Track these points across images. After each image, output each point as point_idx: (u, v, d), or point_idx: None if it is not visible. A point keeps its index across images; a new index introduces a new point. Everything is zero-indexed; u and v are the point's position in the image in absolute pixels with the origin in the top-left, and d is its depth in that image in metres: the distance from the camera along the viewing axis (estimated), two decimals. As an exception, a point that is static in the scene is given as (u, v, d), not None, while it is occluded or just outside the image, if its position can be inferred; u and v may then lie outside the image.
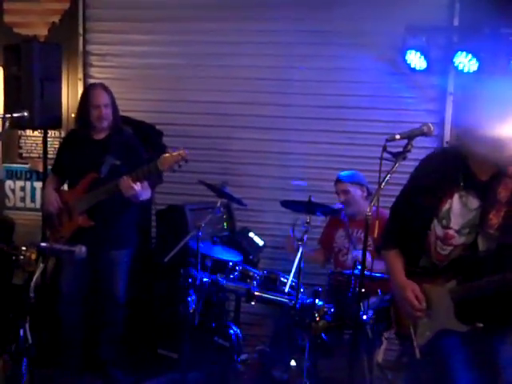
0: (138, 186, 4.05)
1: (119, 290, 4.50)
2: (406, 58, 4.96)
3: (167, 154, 3.94)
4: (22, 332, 2.95)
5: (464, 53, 4.71)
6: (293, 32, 5.44)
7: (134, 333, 4.97)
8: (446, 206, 2.75)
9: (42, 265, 3.06)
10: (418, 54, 4.90)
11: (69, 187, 4.56)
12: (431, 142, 4.58)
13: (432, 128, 2.76)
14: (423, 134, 2.73)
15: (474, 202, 2.69)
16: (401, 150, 2.73)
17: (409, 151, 2.72)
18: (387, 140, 2.71)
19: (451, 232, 2.73)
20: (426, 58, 4.90)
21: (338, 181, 4.70)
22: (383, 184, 2.70)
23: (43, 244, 3.19)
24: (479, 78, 3.06)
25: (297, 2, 5.42)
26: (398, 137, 2.73)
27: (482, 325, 2.62)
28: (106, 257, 4.39)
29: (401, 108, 5.21)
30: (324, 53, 5.41)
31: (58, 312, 4.55)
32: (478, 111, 2.59)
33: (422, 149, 3.04)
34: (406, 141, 2.75)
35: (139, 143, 4.46)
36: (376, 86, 5.34)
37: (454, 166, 2.75)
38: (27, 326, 2.94)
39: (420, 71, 4.99)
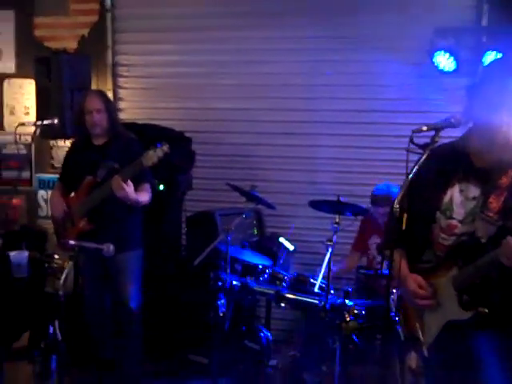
0: (128, 186, 4.01)
1: (129, 295, 4.34)
2: (435, 60, 4.91)
3: (150, 151, 3.92)
4: (51, 329, 2.96)
5: (494, 52, 4.66)
6: (319, 38, 5.46)
7: (164, 338, 4.98)
8: (448, 197, 2.72)
9: (70, 263, 3.08)
10: (447, 55, 4.86)
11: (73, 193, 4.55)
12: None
13: (459, 119, 2.71)
14: (451, 125, 2.67)
15: (473, 191, 2.66)
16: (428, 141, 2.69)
17: (436, 142, 2.68)
18: (413, 131, 2.67)
19: (454, 222, 2.69)
20: (455, 59, 4.85)
21: (376, 203, 4.61)
22: (411, 176, 2.66)
23: (72, 242, 3.22)
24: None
25: (323, 9, 5.44)
26: (424, 128, 2.67)
27: (486, 310, 2.54)
28: (113, 260, 4.19)
29: (430, 110, 5.12)
30: (351, 58, 5.42)
31: (86, 319, 4.50)
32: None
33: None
34: (433, 132, 2.71)
35: (140, 148, 4.27)
36: (404, 89, 5.32)
37: (455, 158, 2.74)
38: (57, 323, 2.96)
39: (449, 73, 4.94)
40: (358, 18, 5.37)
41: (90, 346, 4.51)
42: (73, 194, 4.44)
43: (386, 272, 3.63)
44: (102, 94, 4.50)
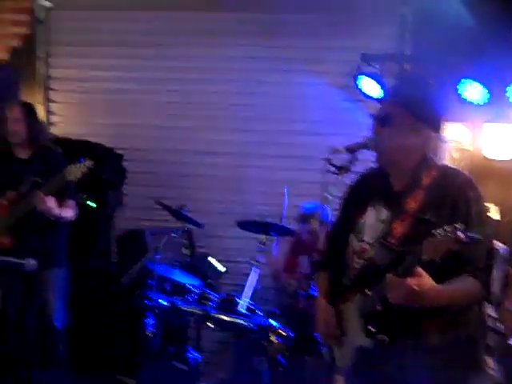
0: (50, 201, 4.02)
1: (54, 313, 4.30)
2: (360, 85, 5.06)
3: (73, 165, 3.94)
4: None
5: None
6: (248, 59, 5.58)
7: (93, 358, 4.91)
8: (362, 220, 2.68)
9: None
10: (373, 80, 5.01)
11: None
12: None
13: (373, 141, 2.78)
14: (365, 147, 2.72)
15: (384, 213, 2.61)
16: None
17: (352, 164, 2.74)
18: (330, 153, 2.73)
19: (364, 245, 2.64)
20: (380, 84, 5.00)
21: (304, 220, 4.68)
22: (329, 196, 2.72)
23: (-8, 258, 3.17)
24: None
25: (253, 30, 5.55)
26: (341, 149, 2.74)
27: (386, 338, 2.47)
28: (37, 277, 4.17)
29: (357, 133, 5.22)
30: (282, 79, 5.52)
31: (7, 337, 4.43)
32: None
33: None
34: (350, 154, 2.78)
35: (64, 163, 4.22)
36: (333, 112, 5.39)
37: (375, 180, 2.75)
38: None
39: (375, 99, 5.08)
40: (290, 40, 5.45)
41: (12, 365, 4.41)
42: None
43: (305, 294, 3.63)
44: (24, 105, 4.47)
